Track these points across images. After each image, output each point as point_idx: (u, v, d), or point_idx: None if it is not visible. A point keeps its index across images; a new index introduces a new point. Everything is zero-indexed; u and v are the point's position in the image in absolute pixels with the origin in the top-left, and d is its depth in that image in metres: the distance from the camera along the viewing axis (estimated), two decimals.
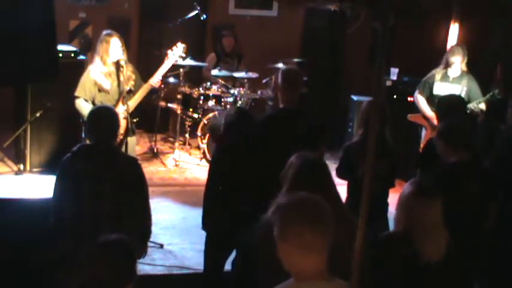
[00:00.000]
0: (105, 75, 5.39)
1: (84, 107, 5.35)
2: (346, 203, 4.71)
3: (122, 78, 5.34)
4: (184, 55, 5.94)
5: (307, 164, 3.09)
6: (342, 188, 4.82)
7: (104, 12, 8.49)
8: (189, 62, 7.39)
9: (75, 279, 2.39)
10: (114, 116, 3.89)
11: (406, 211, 3.09)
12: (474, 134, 4.27)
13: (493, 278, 4.16)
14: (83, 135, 5.49)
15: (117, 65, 5.36)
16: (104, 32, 5.51)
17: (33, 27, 4.31)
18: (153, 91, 5.97)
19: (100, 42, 5.43)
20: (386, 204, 4.68)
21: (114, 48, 5.36)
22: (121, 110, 5.26)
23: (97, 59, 5.41)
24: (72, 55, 6.46)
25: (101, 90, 5.39)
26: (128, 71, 5.43)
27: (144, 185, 3.85)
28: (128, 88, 5.40)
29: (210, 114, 7.47)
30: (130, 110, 5.33)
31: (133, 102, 5.45)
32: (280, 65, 7.57)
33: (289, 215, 2.28)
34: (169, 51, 5.82)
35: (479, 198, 3.86)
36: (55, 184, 3.76)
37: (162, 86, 7.32)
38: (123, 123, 5.28)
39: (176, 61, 5.92)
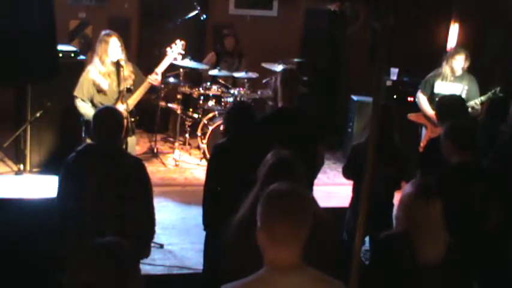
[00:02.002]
0: (103, 75, 5.39)
1: (82, 107, 5.36)
2: (351, 203, 4.74)
3: (121, 78, 5.34)
4: (183, 52, 5.94)
5: (280, 162, 3.08)
6: (347, 188, 4.86)
7: (104, 12, 8.50)
8: (192, 64, 7.40)
9: (71, 281, 2.38)
10: (119, 117, 3.91)
11: (406, 212, 3.09)
12: (477, 134, 4.27)
13: (493, 278, 4.16)
14: (83, 134, 5.49)
15: (117, 64, 5.37)
16: (103, 32, 5.50)
17: (33, 27, 4.30)
18: (153, 89, 5.97)
19: (99, 42, 5.43)
20: (392, 205, 4.69)
21: (113, 48, 5.36)
22: (120, 110, 5.27)
23: (96, 59, 5.41)
24: (72, 55, 6.46)
25: (99, 90, 5.39)
26: (127, 70, 5.43)
27: (148, 186, 3.84)
28: (127, 87, 5.40)
29: (210, 114, 7.49)
30: (129, 109, 5.33)
31: (133, 100, 5.45)
32: (278, 67, 7.59)
33: (265, 206, 2.29)
34: (168, 49, 5.83)
35: (481, 199, 3.86)
36: (59, 183, 3.76)
37: (162, 85, 7.34)
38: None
39: (175, 58, 5.92)
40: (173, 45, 5.84)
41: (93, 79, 5.37)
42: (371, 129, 2.29)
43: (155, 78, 5.57)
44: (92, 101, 5.39)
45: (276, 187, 2.36)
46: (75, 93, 5.40)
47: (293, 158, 3.14)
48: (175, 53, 5.81)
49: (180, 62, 6.64)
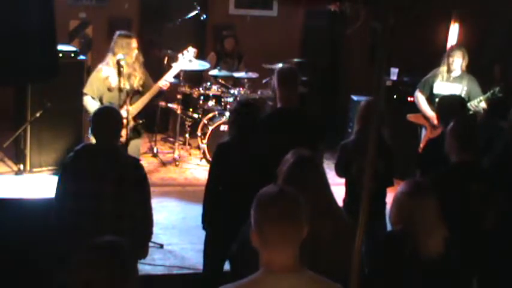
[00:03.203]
0: (116, 75, 5.38)
1: (90, 105, 5.39)
2: (344, 201, 4.74)
3: (131, 79, 5.37)
4: (194, 59, 5.94)
5: (300, 161, 3.09)
6: (341, 187, 4.86)
7: (104, 12, 8.50)
8: (194, 66, 7.39)
9: (71, 281, 2.38)
10: (118, 117, 3.90)
11: (401, 211, 3.09)
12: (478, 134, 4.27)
13: (493, 277, 4.16)
14: (89, 133, 5.49)
15: (118, 65, 5.36)
16: (120, 33, 5.53)
17: (33, 27, 4.30)
18: (159, 93, 5.98)
19: (117, 43, 5.43)
20: (384, 203, 4.69)
21: (134, 50, 5.40)
22: (128, 109, 5.27)
23: (113, 59, 5.40)
24: (72, 55, 6.46)
25: (110, 89, 5.41)
26: (138, 72, 5.46)
27: (146, 186, 3.85)
28: (135, 89, 5.43)
29: (210, 114, 7.49)
30: (136, 111, 5.37)
31: (141, 103, 5.48)
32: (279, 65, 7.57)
33: (256, 209, 2.28)
34: (179, 55, 5.82)
35: (481, 198, 3.86)
36: (57, 183, 3.76)
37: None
38: (130, 124, 5.30)
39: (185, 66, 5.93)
40: (185, 51, 5.84)
41: (105, 78, 5.39)
42: (371, 128, 2.29)
43: (164, 83, 5.59)
44: (101, 100, 5.41)
45: (266, 190, 2.33)
46: (85, 90, 5.45)
47: (313, 157, 3.16)
48: (186, 59, 5.80)
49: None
